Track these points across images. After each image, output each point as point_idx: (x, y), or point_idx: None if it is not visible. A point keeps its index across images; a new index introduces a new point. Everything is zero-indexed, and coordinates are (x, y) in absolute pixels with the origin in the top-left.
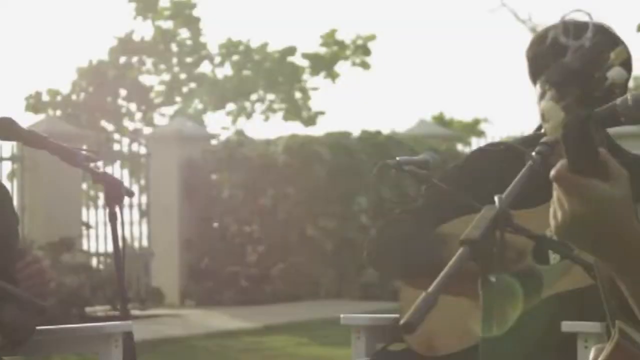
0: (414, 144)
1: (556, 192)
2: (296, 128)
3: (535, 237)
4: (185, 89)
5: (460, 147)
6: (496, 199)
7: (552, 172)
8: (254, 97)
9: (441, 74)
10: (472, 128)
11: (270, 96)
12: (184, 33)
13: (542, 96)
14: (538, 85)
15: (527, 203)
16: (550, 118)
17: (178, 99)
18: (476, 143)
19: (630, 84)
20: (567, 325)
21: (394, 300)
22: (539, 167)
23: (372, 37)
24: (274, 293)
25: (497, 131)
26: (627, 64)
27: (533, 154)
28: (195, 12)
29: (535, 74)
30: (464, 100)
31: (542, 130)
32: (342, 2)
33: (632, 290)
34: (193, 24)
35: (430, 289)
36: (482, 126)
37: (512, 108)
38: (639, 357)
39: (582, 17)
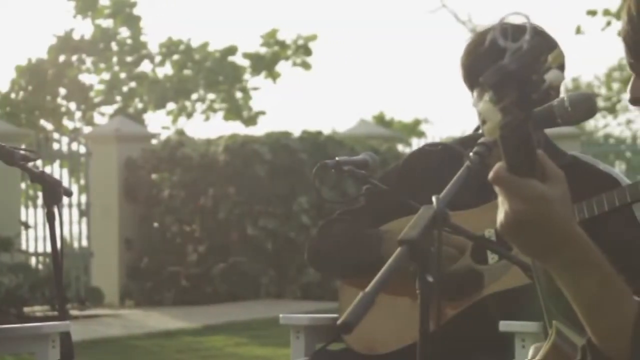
0: (355, 144)
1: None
2: (237, 128)
3: (473, 237)
4: (125, 88)
5: (400, 147)
6: (434, 199)
7: (490, 174)
8: (194, 96)
9: (382, 74)
10: (413, 128)
11: (211, 96)
12: (124, 32)
13: (479, 98)
14: (476, 88)
15: (465, 204)
16: (488, 119)
17: (118, 98)
18: (416, 143)
19: (570, 85)
20: (504, 325)
21: (334, 300)
22: (477, 168)
23: (313, 37)
24: (214, 293)
25: (437, 131)
26: (562, 67)
27: (471, 154)
28: (136, 11)
29: (472, 76)
30: (405, 100)
31: (481, 131)
32: (283, 2)
33: (571, 291)
34: (133, 22)
35: (367, 289)
36: (423, 127)
37: (452, 109)
38: (575, 358)
39: (520, 20)
